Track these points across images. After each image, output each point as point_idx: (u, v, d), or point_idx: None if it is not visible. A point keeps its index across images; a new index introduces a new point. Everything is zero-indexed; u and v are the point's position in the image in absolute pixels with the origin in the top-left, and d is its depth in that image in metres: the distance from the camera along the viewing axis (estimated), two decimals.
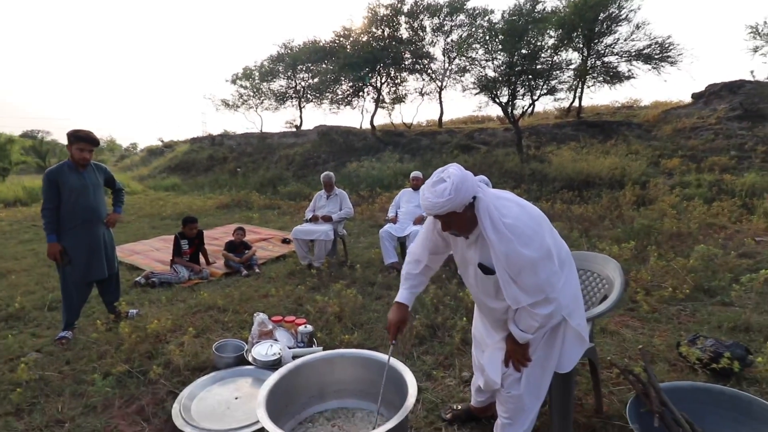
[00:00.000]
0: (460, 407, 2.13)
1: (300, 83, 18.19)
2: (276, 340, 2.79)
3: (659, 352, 2.62)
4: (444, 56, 15.15)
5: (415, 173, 5.13)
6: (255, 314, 2.96)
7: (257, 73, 18.66)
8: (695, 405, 1.88)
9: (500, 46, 10.65)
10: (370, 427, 1.84)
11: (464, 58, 12.45)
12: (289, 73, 18.03)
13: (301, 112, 18.81)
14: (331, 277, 4.30)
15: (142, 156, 21.95)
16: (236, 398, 2.30)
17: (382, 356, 1.96)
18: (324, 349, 2.73)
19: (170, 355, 2.65)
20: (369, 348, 2.80)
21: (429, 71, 15.50)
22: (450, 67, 14.96)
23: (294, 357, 2.55)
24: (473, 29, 13.13)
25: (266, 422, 1.51)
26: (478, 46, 11.35)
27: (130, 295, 3.99)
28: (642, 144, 10.47)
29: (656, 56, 11.44)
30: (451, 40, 14.67)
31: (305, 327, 2.88)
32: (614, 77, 12.24)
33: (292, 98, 18.69)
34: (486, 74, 11.23)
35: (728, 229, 5.54)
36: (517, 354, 1.55)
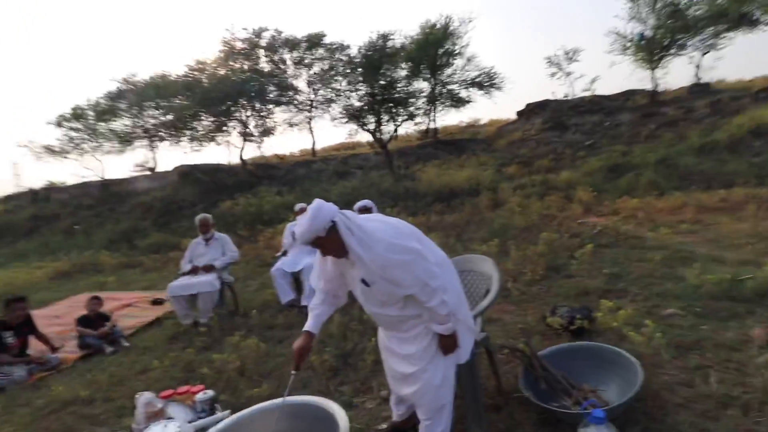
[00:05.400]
0: (385, 426, 2.19)
1: (149, 121, 16.34)
2: (170, 418, 2.42)
3: (533, 327, 3.13)
4: (309, 87, 15.55)
5: (299, 205, 5.05)
6: (137, 395, 2.52)
7: (92, 113, 16.13)
8: (566, 363, 2.30)
9: (360, 78, 11.52)
10: None
11: (329, 90, 13.05)
12: (134, 111, 16.06)
13: (154, 152, 16.87)
14: (224, 331, 3.91)
15: None
16: None
17: (312, 398, 1.89)
18: (232, 412, 2.48)
19: None
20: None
21: (295, 102, 15.67)
22: (316, 98, 15.41)
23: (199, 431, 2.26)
24: (333, 63, 13.87)
25: None
26: (340, 78, 12.08)
27: None
28: (487, 156, 12.38)
29: (486, 83, 13.94)
30: (314, 73, 15.19)
31: (204, 394, 2.56)
32: (458, 102, 14.45)
33: (140, 138, 16.62)
34: (352, 104, 11.96)
35: (558, 217, 6.92)
36: (450, 345, 1.78)
